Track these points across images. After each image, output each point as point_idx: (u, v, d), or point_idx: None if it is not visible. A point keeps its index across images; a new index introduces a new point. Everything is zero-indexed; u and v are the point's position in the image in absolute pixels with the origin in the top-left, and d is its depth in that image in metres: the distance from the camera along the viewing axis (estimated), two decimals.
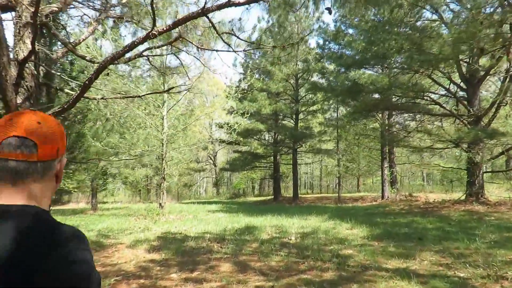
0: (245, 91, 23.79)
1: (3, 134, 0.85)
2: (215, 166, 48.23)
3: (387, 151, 19.46)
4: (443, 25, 12.65)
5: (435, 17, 13.02)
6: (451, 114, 12.60)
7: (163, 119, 13.80)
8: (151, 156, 24.05)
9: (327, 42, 20.74)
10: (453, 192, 24.15)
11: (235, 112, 21.35)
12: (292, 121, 24.70)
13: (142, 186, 27.24)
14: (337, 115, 22.07)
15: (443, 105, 12.67)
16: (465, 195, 12.76)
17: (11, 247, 0.77)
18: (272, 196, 26.77)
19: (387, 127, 18.96)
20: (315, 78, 21.71)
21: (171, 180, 14.02)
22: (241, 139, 23.88)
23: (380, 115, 19.01)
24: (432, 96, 13.22)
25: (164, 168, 13.63)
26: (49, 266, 0.76)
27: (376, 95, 15.32)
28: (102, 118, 17.96)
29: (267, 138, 30.67)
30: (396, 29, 11.72)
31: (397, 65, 11.56)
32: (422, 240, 6.97)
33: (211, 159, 49.87)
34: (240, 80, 24.07)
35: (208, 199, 41.28)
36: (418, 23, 12.80)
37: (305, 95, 23.67)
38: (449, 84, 12.74)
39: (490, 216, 9.29)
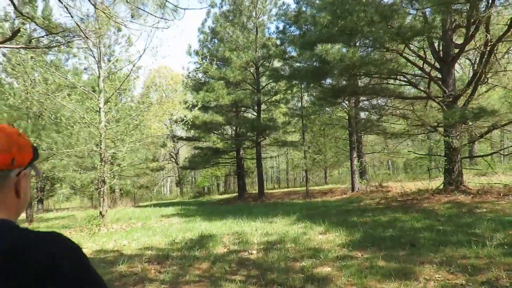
0: (201, 81, 21.86)
1: None
2: (177, 164, 45.87)
3: (355, 140, 18.26)
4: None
5: None
6: (427, 96, 11.39)
7: (99, 111, 11.64)
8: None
9: (287, 26, 19.22)
10: (420, 180, 23.57)
11: (191, 104, 19.42)
12: (254, 112, 23.04)
13: (91, 191, 24.57)
14: (301, 104, 20.64)
15: (418, 86, 11.42)
16: (443, 183, 11.64)
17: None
18: (237, 194, 25.08)
19: (355, 114, 17.75)
20: (277, 65, 20.11)
21: (112, 182, 11.87)
22: (200, 133, 21.93)
23: (347, 102, 17.76)
24: (403, 77, 11.96)
25: (103, 170, 11.50)
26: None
27: (343, 81, 13.97)
28: (31, 115, 15.47)
29: (229, 133, 28.87)
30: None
31: (367, 41, 10.09)
32: (415, 246, 5.50)
33: (172, 157, 47.42)
34: (196, 69, 22.07)
35: (171, 200, 39.00)
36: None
37: (266, 84, 22.06)
38: (423, 64, 11.51)
39: (481, 208, 8.07)
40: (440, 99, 11.26)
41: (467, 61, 13.03)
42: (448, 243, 5.45)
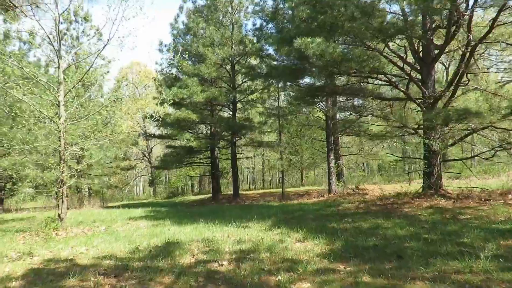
0: (174, 75, 20.95)
1: None
2: (150, 163, 44.51)
3: (332, 141, 17.88)
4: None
5: None
6: (407, 97, 11.06)
7: (58, 105, 10.64)
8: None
9: (264, 23, 18.65)
10: (396, 182, 23.56)
11: (161, 100, 18.48)
12: (229, 111, 22.35)
13: (54, 190, 23.12)
14: (278, 104, 20.11)
15: (398, 86, 11.07)
16: (422, 187, 11.36)
17: None
18: (211, 195, 24.32)
19: (332, 115, 17.39)
20: (254, 63, 19.49)
21: (71, 182, 10.89)
22: (172, 131, 21.03)
23: (325, 102, 17.36)
24: (383, 77, 11.60)
25: (62, 168, 10.51)
26: None
27: (322, 80, 13.54)
28: None
29: (204, 132, 28.04)
30: None
31: (347, 38, 9.62)
32: (402, 258, 4.99)
33: (145, 156, 46.00)
34: (170, 63, 21.15)
35: (143, 200, 37.68)
36: None
37: (242, 82, 21.42)
38: (403, 64, 11.18)
39: (464, 213, 7.73)
40: (419, 100, 10.96)
41: (445, 63, 12.82)
42: (437, 254, 4.97)
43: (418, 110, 12.00)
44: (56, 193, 10.93)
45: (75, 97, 11.68)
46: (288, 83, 13.31)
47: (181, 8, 20.16)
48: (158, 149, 45.18)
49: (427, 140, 10.10)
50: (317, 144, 29.61)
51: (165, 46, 21.17)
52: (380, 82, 12.52)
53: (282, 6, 16.06)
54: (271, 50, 17.71)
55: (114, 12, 9.96)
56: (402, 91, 10.96)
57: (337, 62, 8.80)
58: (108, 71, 26.28)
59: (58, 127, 10.54)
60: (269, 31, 17.90)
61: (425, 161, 10.86)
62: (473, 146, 27.40)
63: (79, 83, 14.50)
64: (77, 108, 11.82)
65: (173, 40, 20.66)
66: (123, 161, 30.43)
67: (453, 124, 9.42)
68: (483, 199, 9.08)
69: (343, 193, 17.46)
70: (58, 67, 10.73)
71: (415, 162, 14.63)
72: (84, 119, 11.89)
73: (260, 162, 38.49)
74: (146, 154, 44.67)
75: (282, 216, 10.30)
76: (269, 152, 34.42)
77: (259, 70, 16.43)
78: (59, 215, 10.75)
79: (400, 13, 10.96)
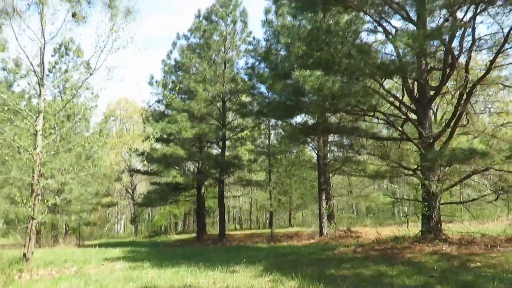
0: (162, 111, 20.54)
1: None
2: (133, 200, 42.92)
3: (324, 182, 17.34)
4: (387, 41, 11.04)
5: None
6: (405, 137, 10.74)
7: (35, 135, 9.94)
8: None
9: (257, 63, 18.67)
10: (387, 225, 22.87)
11: (149, 135, 17.92)
12: (218, 149, 21.82)
13: (21, 226, 21.63)
14: (268, 142, 19.70)
15: (396, 126, 10.77)
16: (421, 231, 10.75)
17: None
18: (196, 235, 23.13)
19: (324, 154, 17.00)
20: (245, 100, 19.27)
21: (39, 218, 9.97)
22: (158, 168, 20.27)
23: (316, 141, 17.02)
24: (379, 116, 11.34)
25: (34, 204, 9.62)
26: None
27: (315, 118, 13.27)
28: None
29: (191, 169, 27.27)
30: (341, 32, 9.70)
31: (345, 75, 9.39)
32: None
33: (128, 192, 44.49)
34: (158, 101, 20.82)
35: (123, 239, 35.83)
36: (362, 35, 11.09)
37: (233, 120, 21.10)
38: (399, 104, 10.97)
39: (473, 261, 7.10)
40: (417, 140, 10.64)
41: (442, 105, 12.72)
42: None
43: (415, 151, 11.65)
44: (25, 230, 9.94)
45: (56, 127, 11.00)
46: (280, 121, 12.97)
47: (174, 44, 20.20)
48: (143, 186, 43.82)
49: (427, 181, 9.64)
50: (307, 184, 28.99)
51: (156, 81, 20.94)
52: (375, 121, 12.26)
53: (275, 46, 16.16)
54: (263, 88, 17.55)
55: (103, 41, 9.60)
56: (401, 130, 10.65)
57: (335, 98, 8.47)
58: (96, 105, 25.81)
59: (33, 157, 9.78)
60: (262, 70, 17.90)
61: (424, 203, 10.33)
62: (462, 190, 27.12)
63: (63, 114, 13.88)
64: (56, 140, 11.12)
65: (164, 76, 20.49)
66: (104, 198, 29.15)
67: (456, 165, 9.03)
68: (489, 246, 8.50)
69: (335, 235, 16.67)
70: (40, 95, 10.15)
71: (409, 204, 14.12)
72: (64, 151, 11.16)
73: (247, 202, 37.47)
74: (130, 191, 43.21)
75: (273, 260, 9.47)
76: (257, 192, 33.61)
77: (251, 108, 16.16)
78: (24, 254, 9.70)
79: (395, 54, 10.91)
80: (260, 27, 36.30)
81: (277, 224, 32.08)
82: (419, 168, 10.54)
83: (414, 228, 14.77)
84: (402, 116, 11.52)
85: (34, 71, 9.89)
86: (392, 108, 11.77)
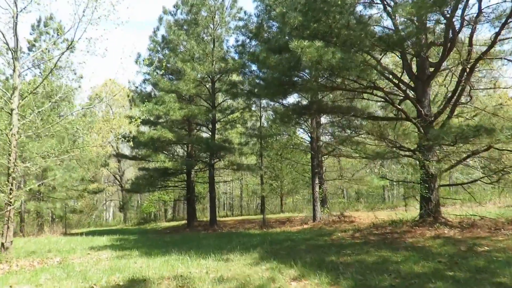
0: (148, 92, 19.70)
1: None
2: (121, 187, 42.11)
3: (316, 165, 16.88)
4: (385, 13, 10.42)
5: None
6: (405, 116, 10.24)
7: (11, 113, 9.16)
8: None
9: (248, 40, 17.92)
10: (379, 209, 22.67)
11: (137, 117, 17.15)
12: (208, 132, 21.14)
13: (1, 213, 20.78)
14: (260, 124, 19.07)
15: (394, 104, 10.24)
16: (420, 214, 10.38)
17: None
18: (186, 221, 22.62)
19: (316, 137, 16.50)
20: (235, 79, 18.52)
21: (16, 205, 9.27)
22: (146, 152, 19.53)
23: (309, 122, 16.48)
24: (378, 93, 10.78)
25: (10, 189, 8.91)
26: None
27: (310, 97, 12.70)
28: None
29: (180, 154, 26.56)
30: (339, 2, 9.03)
31: (344, 45, 8.73)
32: None
33: (116, 179, 43.64)
34: (145, 81, 19.93)
35: (111, 227, 35.18)
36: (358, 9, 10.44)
37: (223, 101, 20.38)
38: (398, 82, 10.43)
39: (480, 245, 6.71)
40: (416, 120, 10.16)
41: (439, 83, 12.24)
42: None
43: (412, 131, 11.20)
44: (4, 219, 9.24)
45: (34, 107, 10.21)
46: (272, 102, 12.35)
47: (160, 19, 19.18)
48: (131, 172, 42.96)
49: (427, 162, 9.19)
50: (298, 168, 28.58)
51: (142, 60, 19.99)
52: (371, 101, 11.72)
53: (266, 22, 15.37)
54: (254, 67, 16.86)
55: (82, 10, 8.76)
56: (399, 109, 10.13)
57: (334, 72, 7.86)
58: (79, 86, 24.68)
59: (9, 139, 9.02)
60: (253, 48, 17.13)
61: (423, 185, 9.92)
62: (451, 174, 26.99)
63: (43, 94, 13.03)
64: (35, 120, 10.33)
65: (150, 54, 19.53)
66: (91, 184, 28.34)
67: (460, 144, 8.58)
68: (492, 229, 8.15)
69: (328, 220, 16.32)
70: (14, 70, 9.32)
71: (401, 187, 13.75)
72: (44, 133, 10.38)
73: (238, 187, 37.02)
74: (118, 177, 42.38)
75: (269, 247, 8.99)
76: (248, 177, 33.18)
77: (242, 87, 15.47)
78: (2, 244, 9.02)
79: (393, 29, 10.33)
80: (251, 2, 35.14)
81: (268, 210, 31.75)
82: (418, 148, 10.09)
83: (409, 212, 14.50)
84: (401, 94, 11.01)
85: (7, 44, 9.03)
86: (390, 85, 11.26)
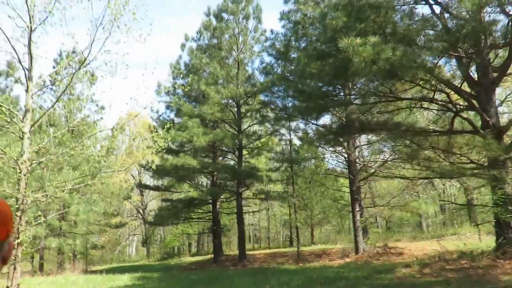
0: (172, 122, 18.85)
1: None
2: (144, 220, 40.97)
3: (355, 191, 15.25)
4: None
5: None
6: (472, 127, 8.73)
7: (22, 138, 8.19)
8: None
9: (274, 61, 16.99)
10: (422, 239, 20.49)
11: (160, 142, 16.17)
12: (233, 159, 19.93)
13: (29, 251, 19.80)
14: (290, 147, 17.68)
15: (459, 113, 8.75)
16: (497, 244, 8.60)
17: None
18: (212, 255, 21.02)
19: (354, 158, 15.02)
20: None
21: (26, 241, 8.06)
22: (169, 182, 18.42)
23: (347, 144, 15.03)
24: (435, 102, 9.32)
25: (19, 223, 7.78)
26: None
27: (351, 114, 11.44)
28: None
29: (204, 184, 25.36)
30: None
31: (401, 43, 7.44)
32: None
33: (139, 212, 42.62)
34: (168, 107, 19.16)
35: (134, 262, 33.79)
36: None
37: (250, 126, 19.27)
38: (460, 86, 8.99)
39: None
40: (486, 131, 8.62)
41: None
42: None
43: (476, 145, 9.59)
44: (10, 260, 8.09)
45: (49, 130, 9.28)
46: (306, 123, 11.07)
47: (183, 46, 18.59)
48: (154, 205, 41.93)
49: (508, 178, 7.57)
50: (329, 196, 26.80)
51: (163, 88, 19.31)
52: (430, 109, 10.26)
53: (295, 43, 14.44)
54: (280, 90, 15.77)
55: (100, 18, 7.91)
56: (467, 119, 8.64)
57: (396, 69, 6.53)
58: (101, 118, 24.22)
59: (19, 166, 8.01)
60: (279, 70, 16.18)
61: (500, 209, 8.20)
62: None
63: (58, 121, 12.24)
64: (50, 144, 9.38)
65: (172, 81, 18.82)
66: (113, 218, 27.32)
67: None
68: None
69: (373, 252, 14.47)
70: (26, 91, 8.47)
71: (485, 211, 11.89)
72: (58, 160, 9.34)
73: (264, 218, 35.20)
74: (141, 211, 41.38)
75: (315, 285, 7.40)
76: (276, 207, 31.49)
77: (273, 107, 14.33)
78: (7, 287, 7.79)
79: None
80: (277, 22, 34.60)
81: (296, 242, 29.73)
82: (490, 164, 8.49)
83: (469, 240, 12.58)
84: (460, 104, 9.53)
85: (20, 62, 8.21)
86: (443, 96, 9.79)
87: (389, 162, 14.76)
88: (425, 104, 8.93)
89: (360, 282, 7.21)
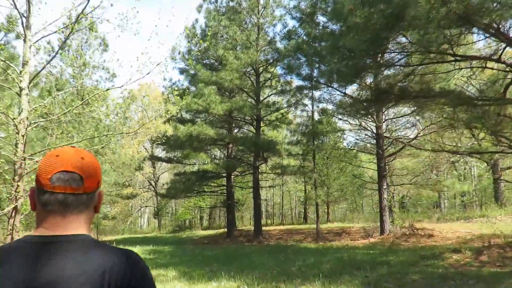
0: (186, 89, 17.73)
1: (51, 169, 0.93)
2: (156, 192, 40.72)
3: (383, 166, 14.09)
4: None
5: None
6: None
7: (19, 94, 7.20)
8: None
9: (298, 25, 15.59)
10: (449, 221, 19.40)
11: (174, 108, 15.12)
12: (251, 130, 18.84)
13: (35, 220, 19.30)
14: (312, 118, 16.43)
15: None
16: None
17: (90, 270, 0.87)
18: (225, 230, 20.36)
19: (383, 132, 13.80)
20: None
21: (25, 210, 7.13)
22: (183, 153, 17.49)
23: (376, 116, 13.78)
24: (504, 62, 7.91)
25: (16, 191, 6.89)
26: (135, 282, 0.91)
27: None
28: None
29: (217, 156, 24.49)
30: None
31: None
32: None
33: (151, 184, 42.33)
34: (181, 72, 18.00)
35: (146, 234, 33.66)
36: None
37: (268, 96, 18.07)
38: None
39: None
40: None
41: None
42: None
43: None
44: (8, 225, 7.25)
45: (53, 87, 8.29)
46: (344, 83, 9.79)
47: (199, 7, 17.17)
48: (166, 178, 41.52)
49: None
50: (348, 173, 25.80)
51: (179, 53, 18.06)
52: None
53: (321, 3, 12.95)
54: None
55: None
56: None
57: (470, 15, 5.19)
58: (112, 86, 23.24)
59: (16, 127, 7.07)
60: (303, 34, 14.79)
61: None
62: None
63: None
64: (54, 105, 8.40)
65: (188, 45, 17.52)
66: (124, 188, 26.82)
67: None
68: None
69: (399, 233, 13.47)
70: (24, 41, 7.42)
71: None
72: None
73: (277, 194, 34.41)
74: (152, 183, 41.03)
75: (357, 272, 6.38)
76: (290, 183, 30.61)
77: (298, 71, 13.04)
78: None
79: None
80: None
81: (312, 219, 28.97)
82: None
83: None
84: None
85: (15, 7, 7.10)
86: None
87: (422, 136, 13.53)
88: (491, 64, 7.57)
89: (407, 270, 6.17)
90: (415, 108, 11.90)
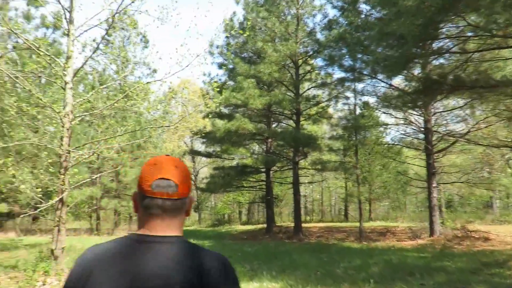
0: (224, 83, 17.59)
1: (151, 176, 1.01)
2: (196, 187, 41.34)
3: (432, 163, 13.20)
4: None
5: None
6: None
7: (64, 88, 7.28)
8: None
9: (340, 13, 14.92)
10: (501, 222, 18.04)
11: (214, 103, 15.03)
12: (290, 124, 18.41)
13: (84, 211, 20.05)
14: (355, 112, 15.71)
15: None
16: None
17: (188, 268, 0.95)
18: (264, 225, 20.14)
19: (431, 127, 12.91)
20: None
21: (73, 201, 7.27)
22: (222, 147, 17.43)
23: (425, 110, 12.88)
24: None
25: (62, 183, 6.99)
26: (227, 283, 0.99)
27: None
28: None
29: (256, 150, 24.28)
30: None
31: None
32: None
33: (191, 179, 43.02)
34: (220, 66, 17.90)
35: (187, 227, 34.27)
36: None
37: (308, 89, 17.54)
38: None
39: None
40: None
41: None
42: None
43: None
44: (55, 219, 7.39)
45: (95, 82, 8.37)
46: (392, 73, 9.13)
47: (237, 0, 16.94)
48: (205, 173, 42.04)
49: None
50: (391, 170, 24.61)
51: (217, 47, 17.97)
52: None
53: None
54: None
55: None
56: None
57: None
58: (154, 81, 23.68)
59: (61, 120, 7.17)
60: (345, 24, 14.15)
61: None
62: None
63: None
64: (97, 100, 8.50)
65: (226, 38, 17.38)
66: None
67: None
68: None
69: (451, 235, 12.57)
70: (68, 35, 7.51)
71: None
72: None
73: (317, 190, 33.72)
74: (192, 177, 41.67)
75: (403, 275, 5.87)
76: (331, 179, 29.83)
77: (339, 62, 12.48)
78: (52, 251, 7.15)
79: None
80: None
81: (353, 217, 28.10)
82: None
83: None
84: None
85: (59, 1, 7.18)
86: None
87: (476, 130, 12.50)
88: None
89: (468, 278, 5.57)
90: (469, 99, 10.99)
